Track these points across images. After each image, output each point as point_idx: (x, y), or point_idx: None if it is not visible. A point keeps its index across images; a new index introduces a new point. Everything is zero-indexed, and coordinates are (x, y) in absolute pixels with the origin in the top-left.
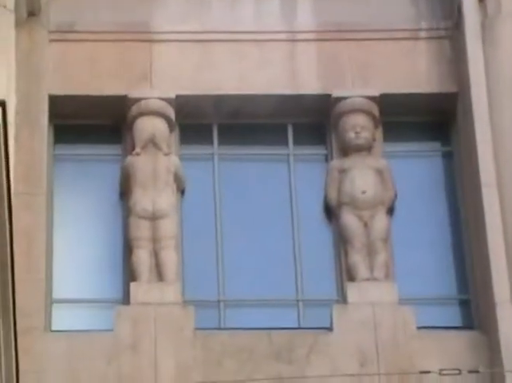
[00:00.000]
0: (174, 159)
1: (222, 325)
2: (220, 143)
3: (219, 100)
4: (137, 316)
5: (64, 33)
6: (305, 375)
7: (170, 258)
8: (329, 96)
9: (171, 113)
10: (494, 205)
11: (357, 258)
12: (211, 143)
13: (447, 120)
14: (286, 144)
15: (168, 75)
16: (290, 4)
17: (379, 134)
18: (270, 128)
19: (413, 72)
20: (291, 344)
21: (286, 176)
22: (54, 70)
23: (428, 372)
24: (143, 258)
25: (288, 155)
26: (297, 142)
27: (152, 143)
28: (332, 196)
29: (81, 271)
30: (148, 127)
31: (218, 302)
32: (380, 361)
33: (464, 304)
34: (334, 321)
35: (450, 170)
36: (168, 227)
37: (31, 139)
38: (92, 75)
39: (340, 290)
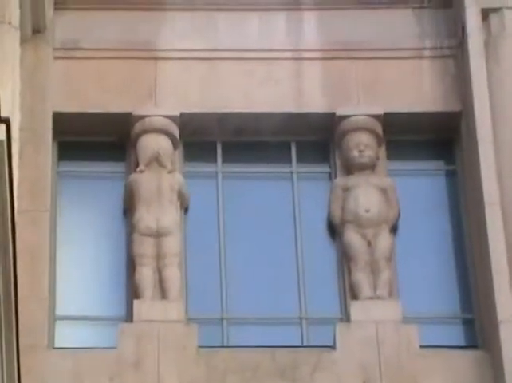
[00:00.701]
0: (178, 177)
1: (226, 343)
2: (224, 160)
3: (224, 118)
4: (140, 333)
5: (69, 51)
6: None
7: (173, 275)
8: (334, 114)
9: (175, 131)
10: (498, 224)
11: (361, 277)
12: (215, 160)
13: (450, 138)
14: (290, 161)
15: (173, 93)
16: (296, 22)
17: (382, 152)
18: (274, 146)
19: (417, 90)
20: (295, 362)
21: (290, 194)
22: (59, 87)
23: None
24: (146, 275)
25: (291, 173)
26: (300, 160)
27: (156, 160)
28: (336, 214)
29: (85, 288)
30: (152, 144)
31: (222, 319)
32: (384, 379)
33: (468, 323)
34: (337, 339)
35: (454, 188)
36: (172, 244)
37: (35, 156)
38: (96, 92)
39: (343, 309)
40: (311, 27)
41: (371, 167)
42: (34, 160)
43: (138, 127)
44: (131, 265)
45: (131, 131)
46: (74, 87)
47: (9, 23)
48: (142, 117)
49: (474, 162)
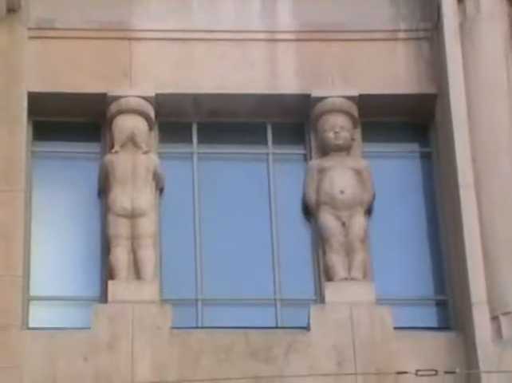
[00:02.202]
0: (153, 158)
1: (200, 324)
2: (199, 142)
3: (199, 99)
4: (115, 314)
5: (44, 30)
6: (283, 374)
7: (148, 256)
8: (309, 96)
9: (151, 112)
10: (472, 206)
11: (335, 258)
12: (191, 141)
13: (425, 121)
14: (266, 143)
15: (148, 73)
16: (270, 4)
17: (358, 134)
18: (250, 128)
19: (392, 73)
20: (269, 343)
21: (265, 176)
22: (33, 67)
23: (405, 372)
24: (121, 256)
25: (267, 154)
26: (276, 141)
27: (131, 141)
28: (311, 196)
29: (59, 269)
30: (128, 125)
31: (196, 300)
32: (357, 360)
33: (441, 305)
34: (312, 320)
35: (429, 171)
36: (147, 225)
37: (10, 136)
38: (71, 73)
39: (318, 290)
40: (285, 9)
41: (346, 149)
42: (9, 140)
43: (113, 107)
44: (106, 245)
45: (106, 111)
46: (49, 67)
47: None
48: (117, 98)
49: (448, 144)
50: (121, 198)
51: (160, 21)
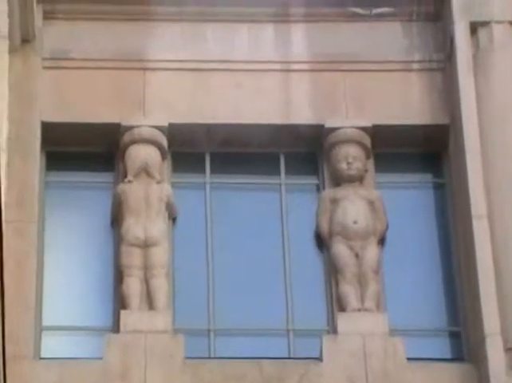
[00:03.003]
0: (166, 188)
1: (212, 354)
2: (212, 171)
3: (212, 129)
4: (127, 344)
5: (58, 60)
6: None
7: (161, 286)
8: (322, 126)
9: (164, 141)
10: (485, 237)
11: (348, 289)
12: (204, 171)
13: (438, 151)
14: (278, 173)
15: (161, 103)
16: (285, 34)
17: (370, 165)
18: (263, 158)
19: (406, 103)
20: (281, 373)
21: (278, 206)
22: (47, 97)
23: None
24: (133, 286)
25: (280, 184)
26: (289, 172)
27: (145, 171)
28: (324, 226)
29: (72, 299)
30: (141, 155)
31: (209, 330)
32: None
33: (454, 336)
34: (324, 351)
35: (442, 201)
36: (160, 255)
37: (23, 165)
38: (85, 102)
39: (330, 321)
40: (299, 39)
41: (359, 179)
42: (22, 170)
43: (127, 137)
44: (118, 275)
45: (119, 141)
46: (63, 97)
47: None
48: (131, 128)
49: (461, 175)
50: (134, 227)
51: (174, 51)
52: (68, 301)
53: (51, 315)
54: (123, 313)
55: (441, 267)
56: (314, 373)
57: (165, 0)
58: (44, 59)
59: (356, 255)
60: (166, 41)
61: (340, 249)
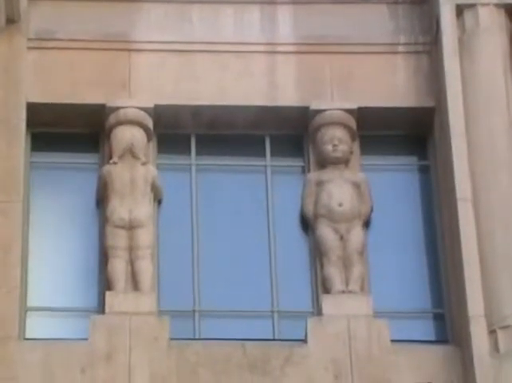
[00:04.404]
0: (151, 169)
1: (197, 336)
2: (198, 153)
3: (198, 111)
4: (112, 325)
5: (44, 41)
6: None
7: (146, 267)
8: (308, 108)
9: (149, 123)
10: (470, 219)
11: (333, 271)
12: (189, 153)
13: (424, 134)
14: (264, 155)
15: (147, 84)
16: (271, 16)
17: (356, 147)
18: (248, 140)
19: (391, 86)
20: (266, 355)
21: (263, 188)
22: (33, 78)
23: None
24: (119, 267)
25: (265, 166)
26: (274, 154)
27: (130, 152)
28: (309, 208)
29: (57, 280)
30: (126, 136)
31: (194, 312)
32: (355, 373)
33: (439, 318)
34: (309, 333)
35: (427, 184)
36: (145, 236)
37: (8, 146)
38: (70, 83)
39: (315, 303)
40: (285, 21)
41: (344, 161)
42: (7, 151)
43: (112, 118)
44: (103, 257)
45: (105, 122)
46: (48, 78)
47: None
48: (116, 109)
49: (447, 158)
50: (119, 209)
51: (160, 33)
52: (53, 282)
53: (36, 296)
54: (108, 294)
55: (425, 250)
56: (299, 355)
57: None
58: (29, 39)
59: (341, 238)
60: (151, 22)
61: (325, 231)
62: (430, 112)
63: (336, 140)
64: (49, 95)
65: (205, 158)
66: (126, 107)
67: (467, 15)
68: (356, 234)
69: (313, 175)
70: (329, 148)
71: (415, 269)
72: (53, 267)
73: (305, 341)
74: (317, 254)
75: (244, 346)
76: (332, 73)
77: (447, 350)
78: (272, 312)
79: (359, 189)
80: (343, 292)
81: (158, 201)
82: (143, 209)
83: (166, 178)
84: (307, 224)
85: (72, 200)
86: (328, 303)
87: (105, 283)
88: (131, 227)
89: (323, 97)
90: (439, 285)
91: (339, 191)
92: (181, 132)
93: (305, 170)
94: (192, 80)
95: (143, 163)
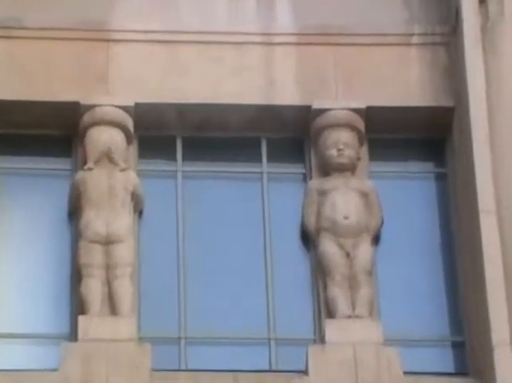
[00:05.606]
0: (132, 176)
1: (183, 366)
2: (185, 158)
3: (185, 110)
4: (87, 354)
5: (11, 30)
6: None
7: (125, 288)
8: (309, 107)
9: (130, 123)
10: (493, 234)
11: (337, 293)
12: (175, 158)
13: (441, 137)
14: (260, 160)
15: (127, 80)
16: (268, 3)
17: (364, 152)
18: (242, 143)
19: (404, 82)
20: None
21: (259, 198)
22: None
23: None
24: (94, 287)
25: (261, 173)
26: (271, 159)
27: (107, 157)
28: (310, 221)
29: (24, 302)
30: (103, 138)
31: (179, 339)
32: None
33: (458, 346)
34: (310, 363)
35: (444, 194)
36: (124, 252)
37: None
38: (40, 78)
39: (317, 328)
40: (285, 9)
41: (351, 168)
42: None
43: (87, 118)
44: (76, 276)
45: (79, 122)
46: (15, 72)
47: None
48: (92, 107)
49: (467, 165)
50: (95, 222)
51: (143, 21)
52: (19, 304)
53: (0, 321)
54: (81, 318)
55: (442, 269)
56: None
57: None
58: None
59: (347, 255)
60: (134, 9)
61: (329, 247)
62: (448, 112)
63: (342, 143)
64: (16, 91)
65: (192, 164)
66: (103, 105)
67: (491, 2)
68: (364, 251)
69: (315, 184)
70: (333, 152)
71: (431, 290)
72: (20, 288)
73: (305, 372)
74: (320, 273)
75: (236, 378)
76: (336, 67)
77: None
78: (268, 339)
79: (367, 199)
80: (349, 317)
81: (139, 212)
82: (123, 221)
83: (148, 186)
84: (308, 239)
85: (42, 211)
86: (331, 329)
87: (78, 306)
88: (108, 241)
89: (326, 95)
90: (458, 308)
91: (344, 201)
92: (166, 133)
93: (305, 177)
94: (179, 75)
95: (123, 170)
